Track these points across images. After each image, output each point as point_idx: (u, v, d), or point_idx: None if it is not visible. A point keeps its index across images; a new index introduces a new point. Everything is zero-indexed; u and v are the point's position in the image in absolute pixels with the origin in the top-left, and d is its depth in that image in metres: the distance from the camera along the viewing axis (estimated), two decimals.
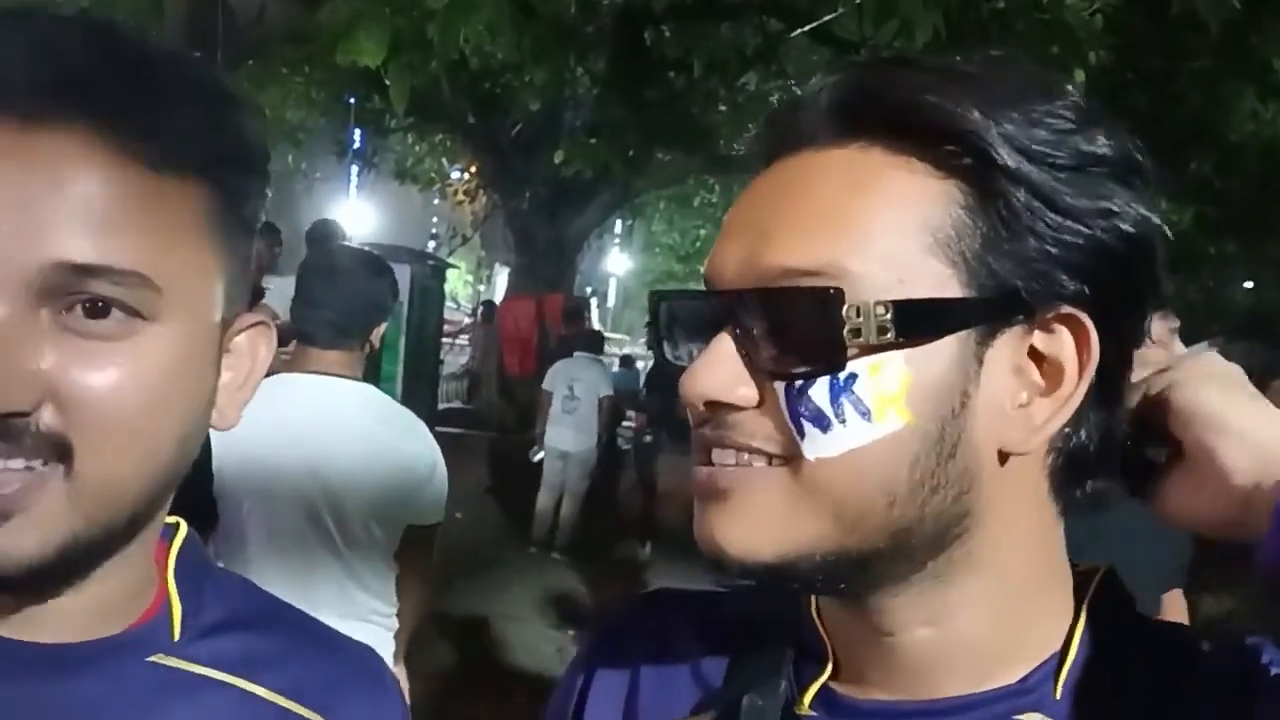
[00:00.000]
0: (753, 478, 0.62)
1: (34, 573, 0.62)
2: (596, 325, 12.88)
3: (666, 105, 10.36)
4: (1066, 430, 0.64)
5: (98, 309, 0.61)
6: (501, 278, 20.59)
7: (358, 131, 15.49)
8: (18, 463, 0.60)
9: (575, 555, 8.17)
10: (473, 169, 16.27)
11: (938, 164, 0.61)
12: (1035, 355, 0.62)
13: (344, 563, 2.37)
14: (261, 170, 0.72)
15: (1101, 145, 0.61)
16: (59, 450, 0.61)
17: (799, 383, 0.61)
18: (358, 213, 18.33)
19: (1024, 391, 0.62)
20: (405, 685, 2.63)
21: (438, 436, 2.69)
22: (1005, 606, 0.66)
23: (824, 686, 0.70)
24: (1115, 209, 0.61)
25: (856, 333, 0.59)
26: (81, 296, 0.61)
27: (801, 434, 0.61)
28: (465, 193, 17.29)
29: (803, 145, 0.64)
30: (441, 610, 5.80)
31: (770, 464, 0.62)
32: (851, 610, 0.67)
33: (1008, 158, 0.59)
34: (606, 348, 11.28)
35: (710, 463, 0.64)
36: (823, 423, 0.60)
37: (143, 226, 0.63)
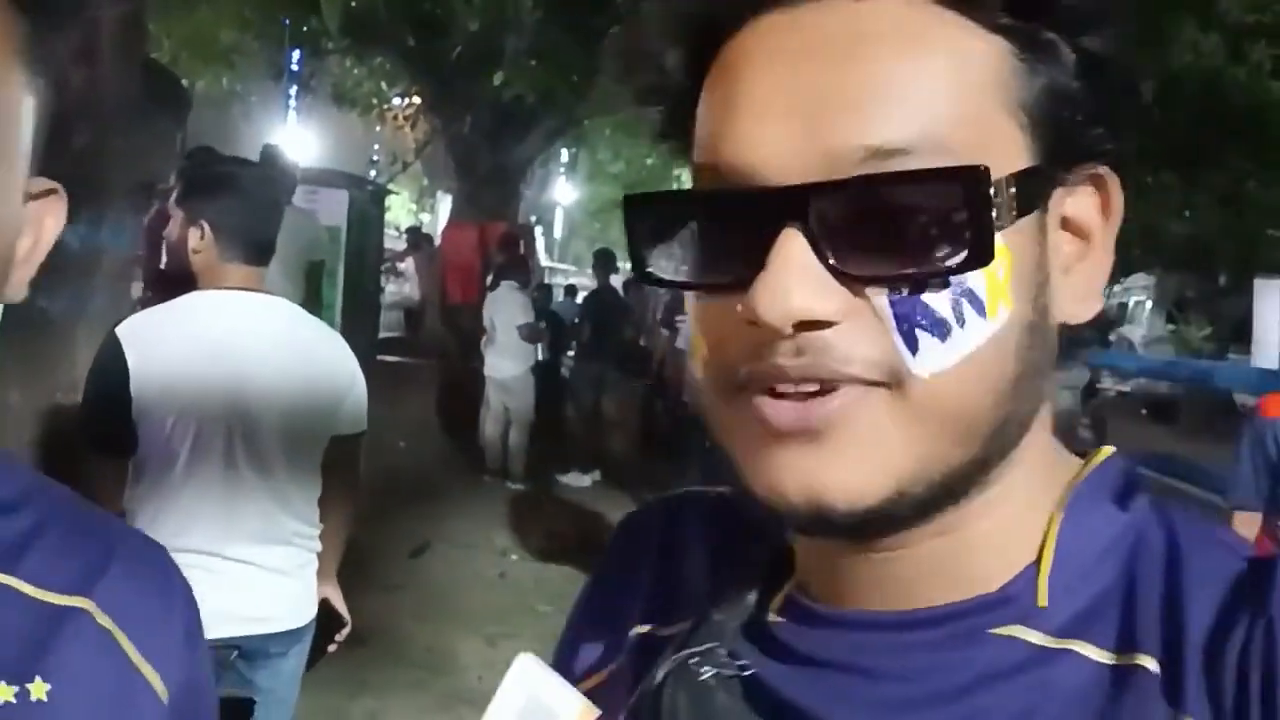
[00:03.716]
0: (859, 406, 0.52)
1: None
2: (542, 254, 12.78)
3: (610, 28, 10.19)
4: None
5: None
6: (445, 205, 20.33)
7: (295, 53, 15.12)
8: None
9: (520, 483, 8.20)
10: (413, 93, 15.97)
11: (985, 20, 0.54)
12: (1064, 220, 0.57)
13: (268, 482, 2.36)
14: (65, 17, 0.67)
15: None
16: None
17: (907, 287, 0.52)
18: (296, 138, 17.93)
19: (1063, 260, 0.57)
20: (339, 600, 2.63)
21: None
22: (1013, 503, 0.58)
23: (791, 593, 0.64)
24: (1127, 61, 0.56)
25: (997, 215, 0.51)
26: None
27: (915, 348, 0.52)
28: (405, 117, 16.97)
29: None
30: (384, 536, 5.80)
31: (870, 388, 0.53)
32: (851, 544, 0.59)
33: (1058, 10, 0.54)
34: (551, 278, 11.25)
35: (784, 396, 0.53)
36: (942, 330, 0.52)
37: None
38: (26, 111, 0.65)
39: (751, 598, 0.65)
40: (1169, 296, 16.32)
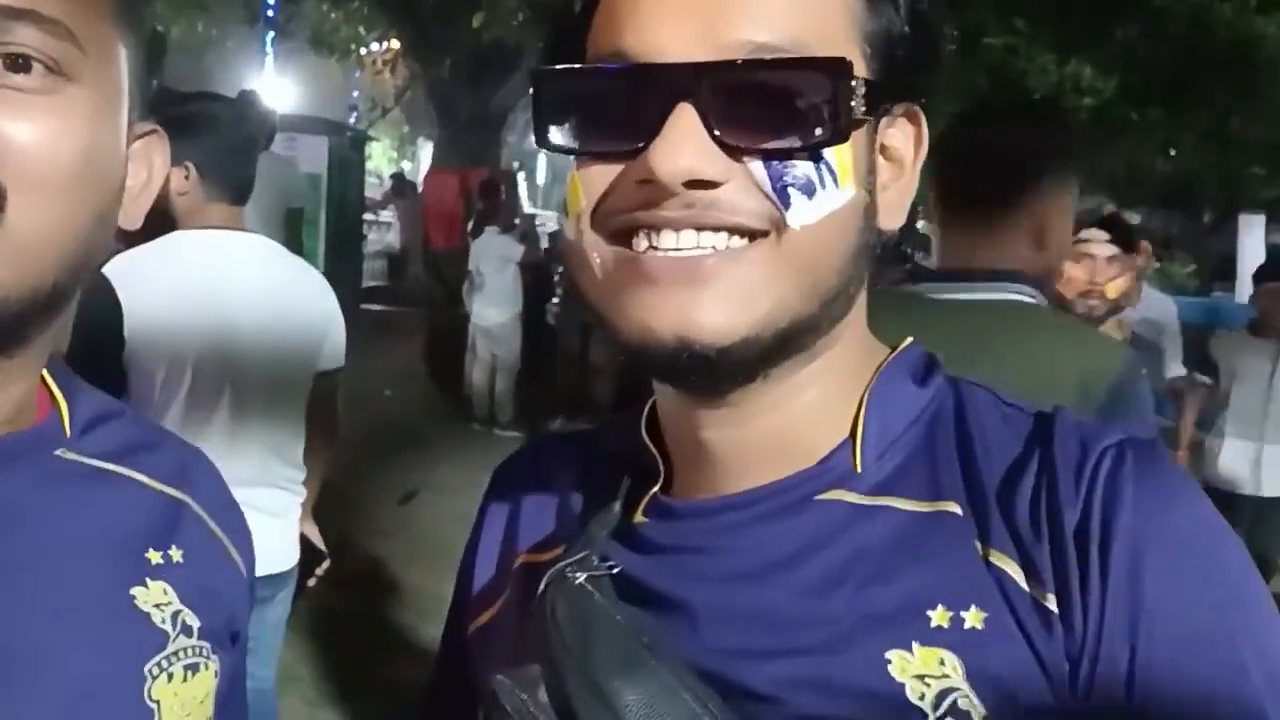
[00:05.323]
0: (739, 258, 0.62)
1: None
2: (525, 201, 12.68)
3: None
4: None
5: (18, 63, 0.64)
6: (426, 151, 20.15)
7: None
8: None
9: (507, 429, 8.21)
10: (392, 38, 15.74)
11: None
12: (883, 148, 0.69)
13: (261, 424, 2.37)
14: None
15: None
16: None
17: (779, 156, 0.62)
18: (273, 84, 17.69)
19: (883, 180, 0.69)
20: (315, 534, 2.66)
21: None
22: (833, 377, 0.70)
23: (654, 496, 0.73)
24: (940, 23, 0.71)
25: (853, 103, 0.63)
26: (5, 48, 0.64)
27: (786, 203, 0.62)
28: (384, 62, 16.75)
29: None
30: (373, 484, 5.81)
31: (752, 241, 0.63)
32: (702, 411, 0.68)
33: None
34: (535, 224, 11.19)
35: (667, 249, 0.63)
36: (810, 189, 0.62)
37: None
38: (122, 60, 0.73)
39: (617, 507, 0.74)
40: (1154, 235, 16.32)
